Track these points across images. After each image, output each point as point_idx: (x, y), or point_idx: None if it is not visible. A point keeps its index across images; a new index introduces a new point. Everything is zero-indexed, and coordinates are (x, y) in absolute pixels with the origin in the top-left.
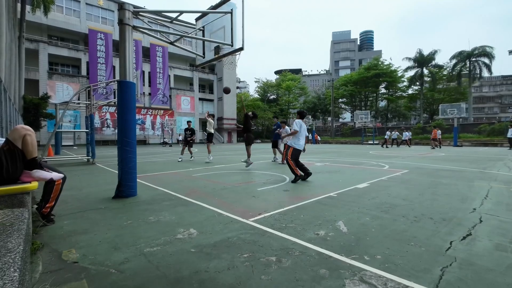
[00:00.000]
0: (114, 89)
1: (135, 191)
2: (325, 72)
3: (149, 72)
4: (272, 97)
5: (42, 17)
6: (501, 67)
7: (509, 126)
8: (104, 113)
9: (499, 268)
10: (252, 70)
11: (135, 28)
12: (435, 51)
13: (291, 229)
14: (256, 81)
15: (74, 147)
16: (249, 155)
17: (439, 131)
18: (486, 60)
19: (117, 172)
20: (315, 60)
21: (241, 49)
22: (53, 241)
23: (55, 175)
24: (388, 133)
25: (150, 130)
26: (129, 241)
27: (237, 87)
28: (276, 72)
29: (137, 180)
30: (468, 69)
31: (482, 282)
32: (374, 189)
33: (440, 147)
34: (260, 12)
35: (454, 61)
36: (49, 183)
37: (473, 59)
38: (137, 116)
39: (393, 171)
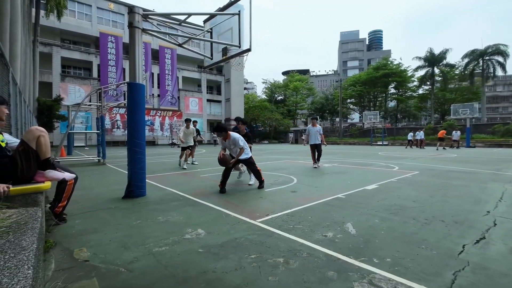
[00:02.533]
0: (124, 91)
1: (145, 191)
2: (333, 72)
3: (158, 74)
4: (279, 97)
5: (55, 21)
6: None
7: None
8: (115, 115)
9: None
10: (260, 71)
11: (144, 31)
12: (446, 50)
13: (298, 231)
14: (263, 82)
15: (86, 148)
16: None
17: (457, 132)
18: (500, 59)
19: (126, 172)
20: (322, 61)
21: (248, 50)
22: (65, 239)
23: (67, 175)
24: (411, 133)
25: (159, 131)
26: (138, 241)
27: (245, 88)
28: (284, 73)
29: (146, 180)
30: (481, 68)
31: (496, 287)
32: (383, 191)
33: (458, 147)
34: (265, 12)
35: (466, 60)
36: (62, 183)
37: (487, 57)
38: (146, 118)
39: (402, 173)
